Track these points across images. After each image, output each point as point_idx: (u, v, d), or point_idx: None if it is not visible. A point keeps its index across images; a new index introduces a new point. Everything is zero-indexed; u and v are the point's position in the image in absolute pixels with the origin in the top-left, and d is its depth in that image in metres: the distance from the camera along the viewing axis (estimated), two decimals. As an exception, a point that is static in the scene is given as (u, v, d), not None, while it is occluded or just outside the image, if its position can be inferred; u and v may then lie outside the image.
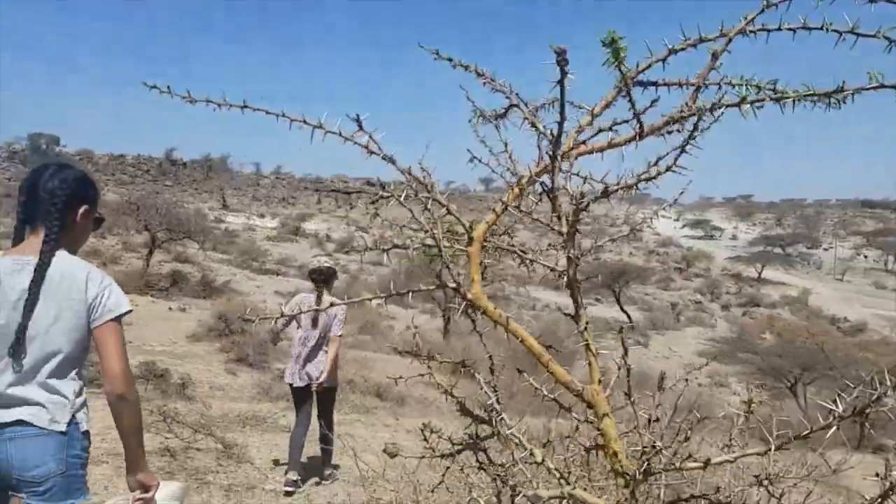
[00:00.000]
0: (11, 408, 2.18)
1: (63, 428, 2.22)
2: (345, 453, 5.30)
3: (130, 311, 2.37)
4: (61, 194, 2.31)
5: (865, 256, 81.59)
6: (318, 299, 5.40)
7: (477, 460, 1.92)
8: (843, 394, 1.45)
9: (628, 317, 35.46)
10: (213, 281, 23.30)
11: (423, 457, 2.00)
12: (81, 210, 2.39)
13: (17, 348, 2.19)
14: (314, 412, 5.62)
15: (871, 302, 56.12)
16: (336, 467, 5.85)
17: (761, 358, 25.12)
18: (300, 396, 5.53)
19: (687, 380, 2.29)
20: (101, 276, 2.34)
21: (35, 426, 2.18)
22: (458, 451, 1.91)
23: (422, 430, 1.97)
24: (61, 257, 2.29)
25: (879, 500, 1.46)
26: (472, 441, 1.89)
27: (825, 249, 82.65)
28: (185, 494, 2.72)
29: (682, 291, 49.11)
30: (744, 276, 60.56)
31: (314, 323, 5.42)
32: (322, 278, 5.52)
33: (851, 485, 7.19)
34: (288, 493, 5.23)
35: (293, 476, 5.29)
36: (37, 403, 2.20)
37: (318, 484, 5.69)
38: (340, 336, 5.46)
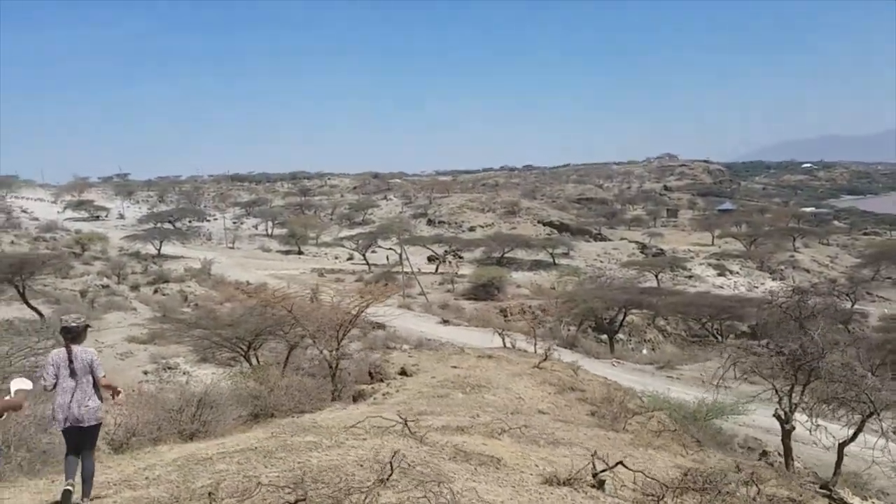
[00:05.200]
0: None
1: None
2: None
3: None
4: None
5: (243, 224, 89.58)
6: (69, 353, 6.20)
7: None
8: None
9: (39, 314, 30.33)
10: None
11: None
12: None
13: None
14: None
15: (263, 264, 62.16)
16: (91, 500, 6.24)
17: (212, 332, 24.55)
18: (69, 436, 6.24)
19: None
20: None
21: None
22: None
23: None
24: None
25: None
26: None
27: (209, 221, 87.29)
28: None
29: (85, 277, 44.54)
30: (143, 254, 58.94)
31: (71, 373, 6.19)
32: (71, 336, 6.27)
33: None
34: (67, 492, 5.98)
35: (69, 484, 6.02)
36: None
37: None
38: (104, 377, 6.34)
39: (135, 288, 45.97)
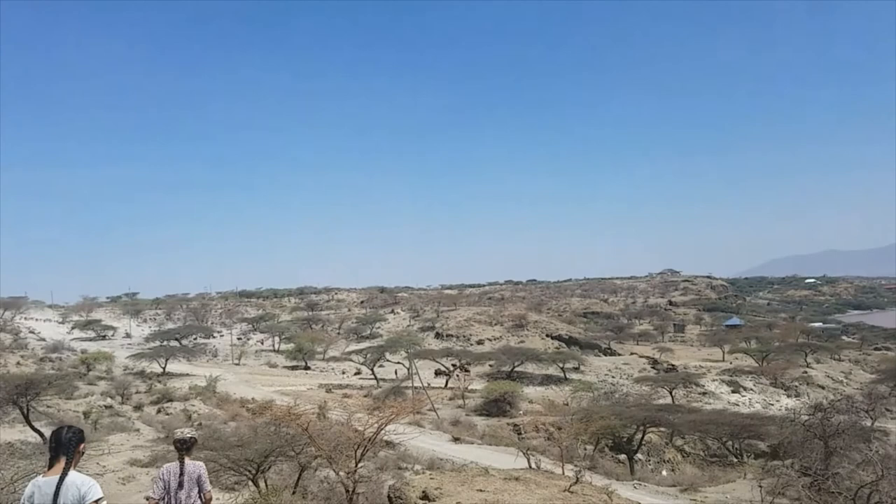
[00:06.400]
0: None
1: None
2: None
3: (101, 496, 5.07)
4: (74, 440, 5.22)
5: (249, 339, 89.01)
6: (182, 465, 6.54)
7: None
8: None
9: (41, 435, 29.52)
10: None
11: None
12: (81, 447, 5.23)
13: None
14: None
15: (269, 380, 61.19)
16: None
17: (219, 454, 23.61)
18: None
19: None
20: (87, 480, 5.10)
21: None
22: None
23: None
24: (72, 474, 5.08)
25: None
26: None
27: (215, 337, 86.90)
28: None
29: (89, 398, 43.72)
30: (148, 373, 58.19)
31: (180, 485, 6.44)
32: (185, 448, 6.70)
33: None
34: None
35: None
36: None
37: None
38: (209, 491, 6.71)
39: (138, 408, 44.97)
